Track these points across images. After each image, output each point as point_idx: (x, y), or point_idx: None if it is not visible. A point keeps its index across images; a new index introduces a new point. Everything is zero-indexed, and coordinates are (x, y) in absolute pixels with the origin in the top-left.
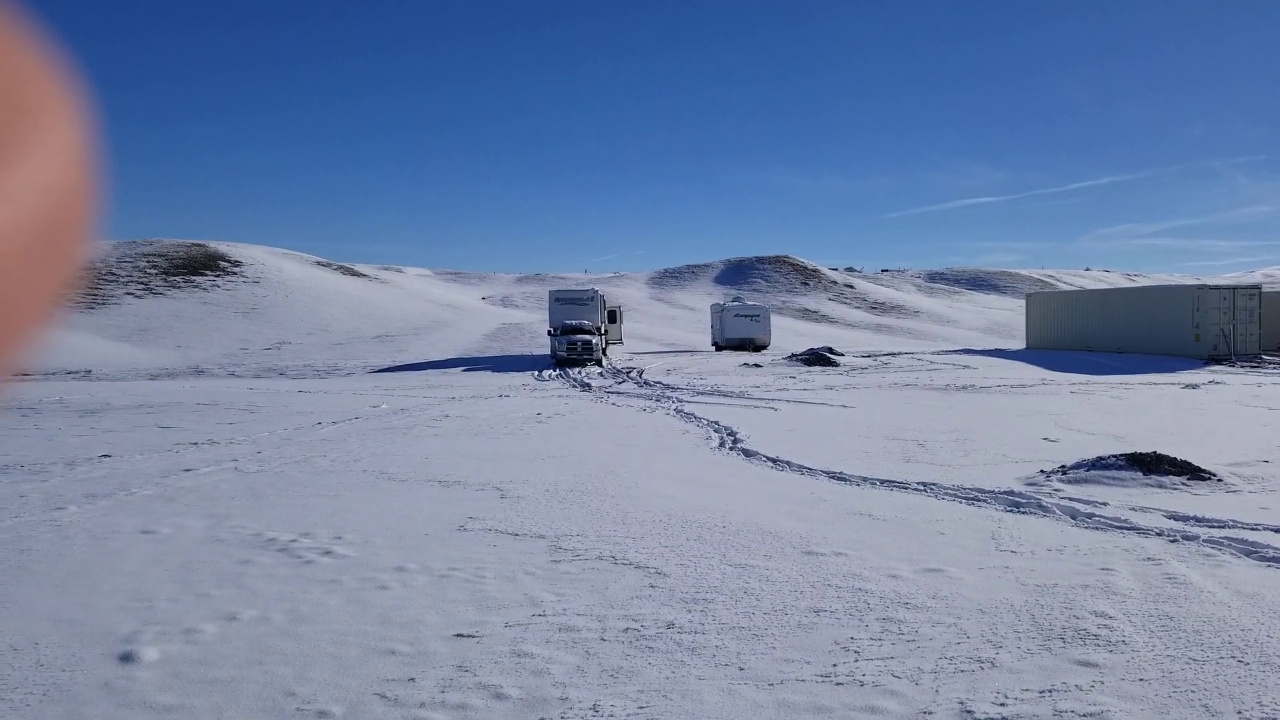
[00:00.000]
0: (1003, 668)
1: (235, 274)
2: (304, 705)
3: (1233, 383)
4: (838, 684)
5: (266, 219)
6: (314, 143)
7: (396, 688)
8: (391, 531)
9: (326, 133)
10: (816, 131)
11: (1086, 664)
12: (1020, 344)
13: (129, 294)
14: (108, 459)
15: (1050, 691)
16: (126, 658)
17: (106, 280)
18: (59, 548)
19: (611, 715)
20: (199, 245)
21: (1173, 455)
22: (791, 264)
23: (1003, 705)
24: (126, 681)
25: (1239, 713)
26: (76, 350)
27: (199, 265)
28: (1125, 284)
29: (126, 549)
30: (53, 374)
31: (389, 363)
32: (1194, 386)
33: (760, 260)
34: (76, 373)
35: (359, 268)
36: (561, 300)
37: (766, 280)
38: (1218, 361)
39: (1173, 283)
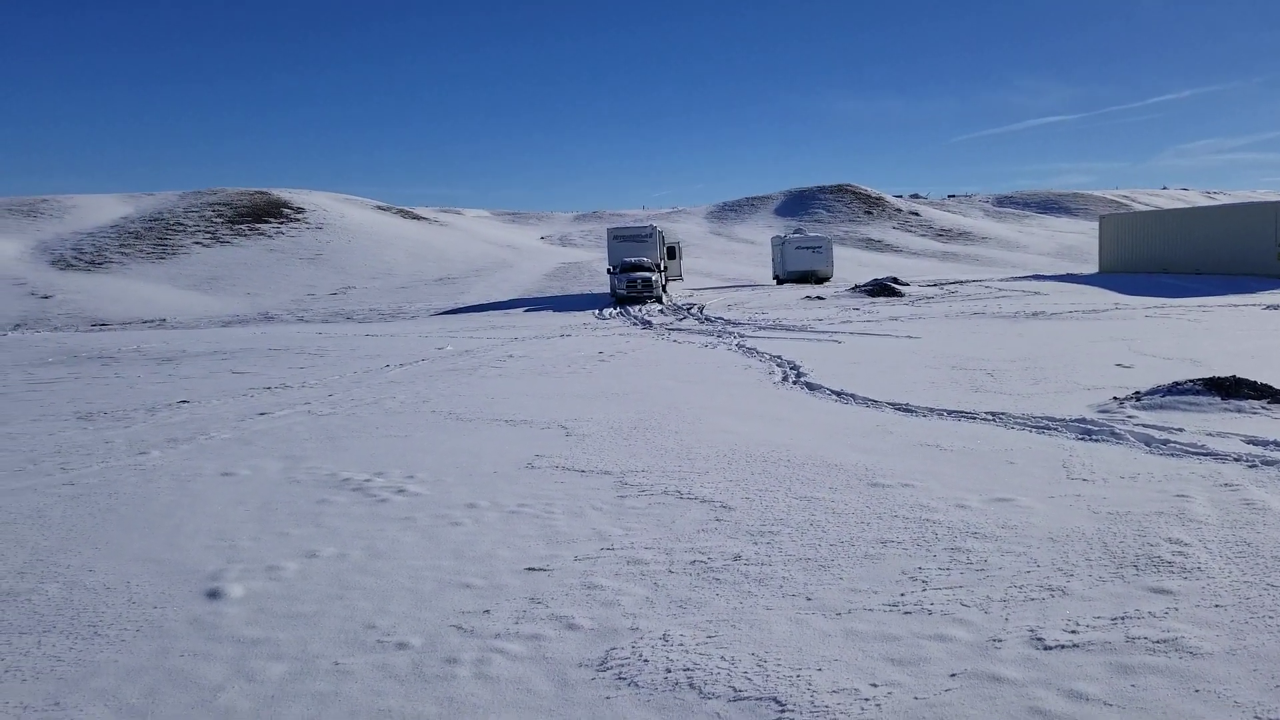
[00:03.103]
0: (1074, 595)
1: (298, 220)
2: (384, 637)
3: None
4: (906, 613)
5: (326, 165)
6: (370, 89)
7: (472, 620)
8: (462, 469)
9: (381, 79)
10: (875, 51)
11: (1160, 591)
12: (1093, 268)
13: (197, 243)
14: (186, 404)
15: (1123, 619)
16: (213, 594)
17: (174, 230)
18: (144, 490)
19: (681, 644)
20: (262, 193)
21: (1252, 379)
22: (854, 192)
23: (1074, 633)
24: (214, 617)
25: None
26: (150, 300)
27: (263, 213)
28: (1204, 203)
29: (208, 491)
30: (129, 323)
31: (452, 305)
32: (1275, 308)
33: (821, 190)
34: (151, 322)
35: (418, 211)
36: (620, 238)
37: (828, 210)
38: None
39: (1255, 199)
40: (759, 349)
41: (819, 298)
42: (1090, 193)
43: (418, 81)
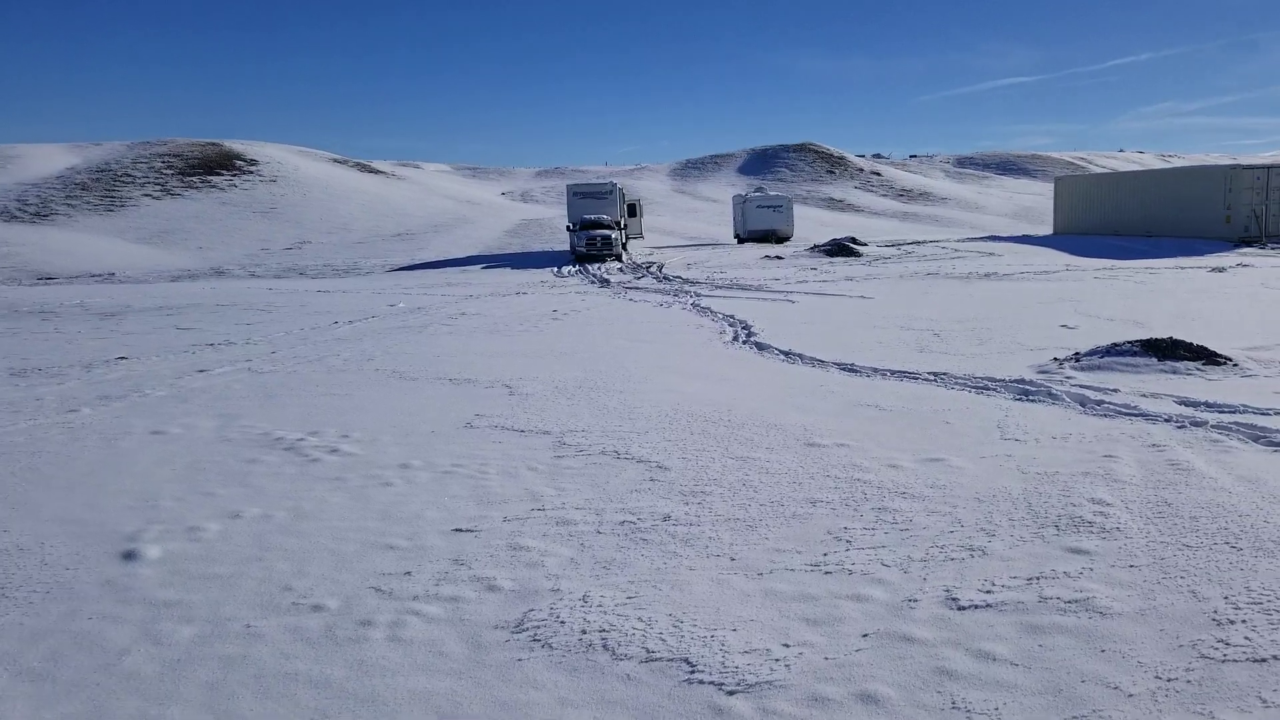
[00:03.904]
0: (993, 555)
1: (251, 173)
2: (300, 599)
3: (1261, 265)
4: (826, 573)
5: (280, 116)
6: (325, 37)
7: (392, 581)
8: (399, 429)
9: (337, 26)
10: (841, 10)
11: (1077, 551)
12: (1049, 230)
13: (146, 195)
14: (124, 361)
15: (1038, 579)
16: (129, 556)
17: (122, 182)
18: (70, 449)
19: (600, 605)
20: (214, 144)
21: (1190, 340)
22: (817, 151)
23: (989, 593)
24: (127, 579)
25: (1225, 597)
26: (100, 253)
27: (215, 165)
28: (1160, 166)
29: (136, 450)
30: (76, 277)
31: (409, 261)
32: (1221, 270)
33: (784, 149)
34: (100, 276)
35: (376, 164)
36: (580, 194)
37: (791, 169)
38: (1249, 244)
39: (1209, 163)
40: (713, 308)
41: (778, 257)
42: (1049, 154)
43: (377, 32)
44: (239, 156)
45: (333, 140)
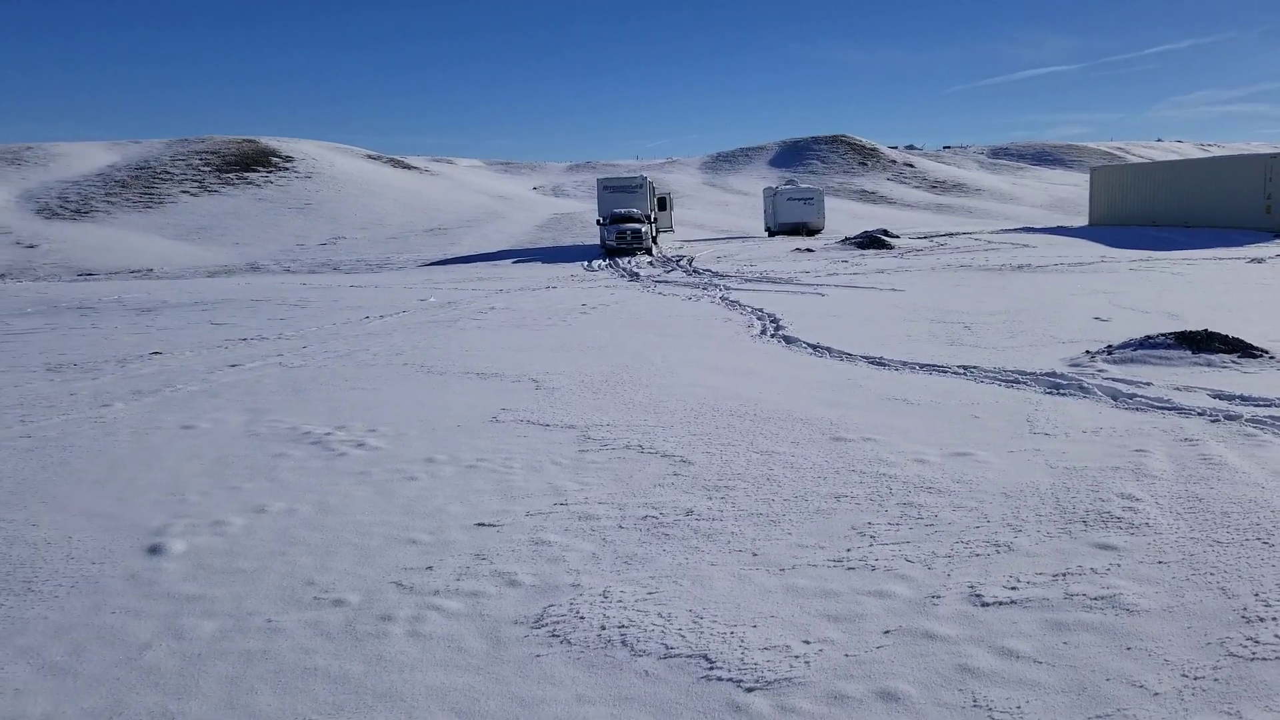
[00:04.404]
0: (1019, 551)
1: (288, 169)
2: (321, 594)
3: None
4: (849, 569)
5: (315, 113)
6: (360, 34)
7: (413, 576)
8: (425, 423)
9: (373, 23)
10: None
11: (1105, 547)
12: (1085, 221)
13: (185, 192)
14: (158, 356)
15: (1064, 575)
16: (155, 550)
17: (161, 179)
18: (101, 444)
19: (620, 601)
20: (250, 141)
21: (1225, 333)
22: (849, 143)
23: (1013, 589)
24: (152, 573)
25: (1256, 595)
26: (137, 250)
27: (251, 161)
28: (1198, 155)
29: (165, 444)
30: (115, 273)
31: (441, 256)
32: (1259, 261)
33: (816, 140)
34: (139, 272)
35: (410, 160)
36: (610, 188)
37: (823, 161)
38: None
39: (1248, 152)
40: (742, 301)
41: (809, 250)
42: (1085, 145)
43: (409, 28)
44: (275, 153)
45: (367, 136)
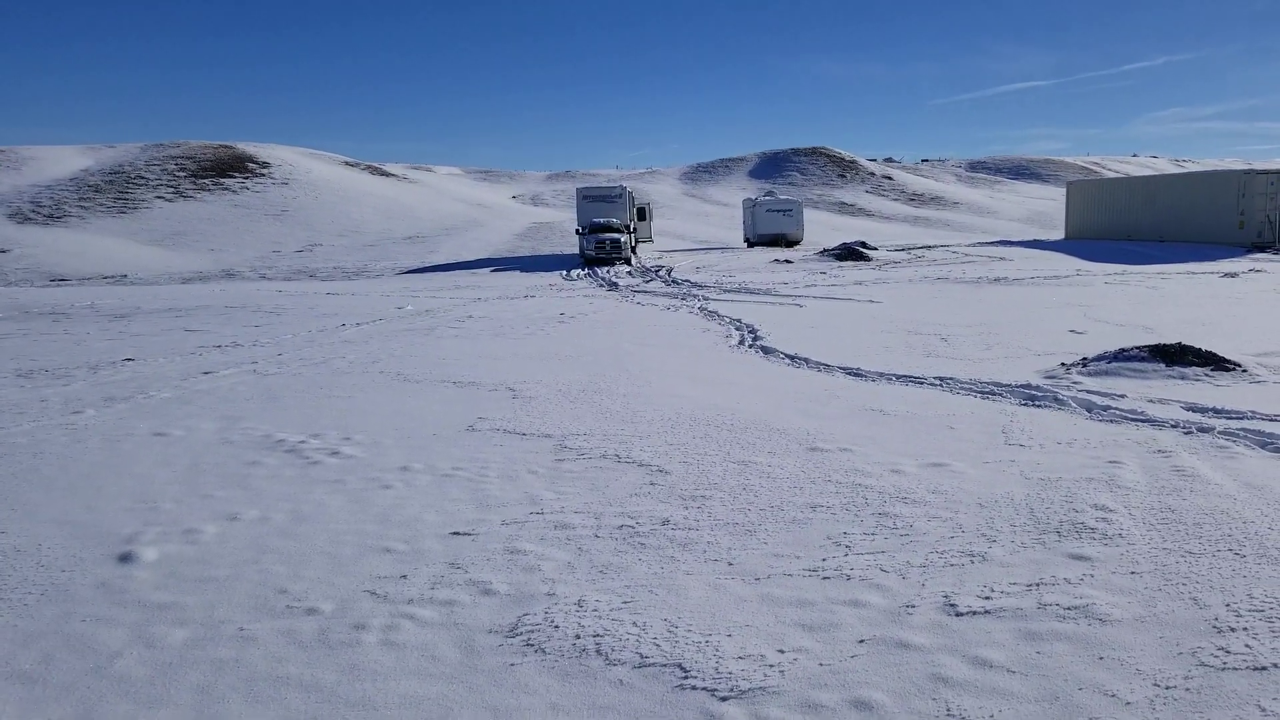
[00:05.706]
0: (993, 561)
1: (264, 175)
2: (294, 603)
3: (1274, 271)
4: (824, 578)
5: (291, 119)
6: (337, 39)
7: (387, 585)
8: (400, 432)
9: (350, 29)
10: (854, 14)
11: (1079, 557)
12: (1061, 234)
13: (159, 198)
14: (130, 362)
15: (1038, 585)
16: (125, 558)
17: (135, 184)
18: (71, 450)
19: (595, 610)
20: (226, 147)
21: (1199, 346)
22: (828, 155)
23: (987, 599)
24: (123, 581)
25: (1227, 605)
26: (111, 255)
27: (227, 167)
28: (1173, 170)
29: (137, 451)
30: (88, 279)
31: (419, 264)
32: (1233, 275)
33: (796, 152)
34: (112, 277)
35: (388, 167)
36: (589, 198)
37: (802, 173)
38: (1261, 249)
39: (1223, 168)
40: (720, 312)
41: (787, 261)
42: (1062, 159)
43: (388, 35)
44: (251, 159)
45: (345, 143)
